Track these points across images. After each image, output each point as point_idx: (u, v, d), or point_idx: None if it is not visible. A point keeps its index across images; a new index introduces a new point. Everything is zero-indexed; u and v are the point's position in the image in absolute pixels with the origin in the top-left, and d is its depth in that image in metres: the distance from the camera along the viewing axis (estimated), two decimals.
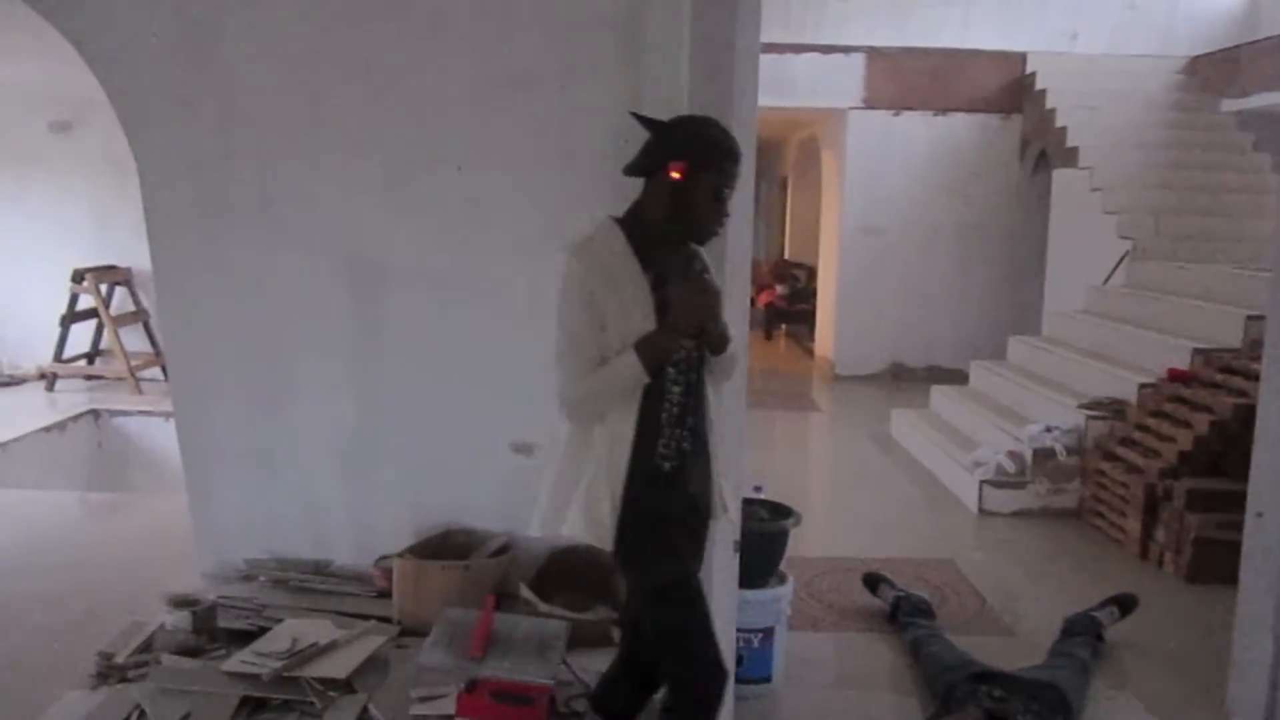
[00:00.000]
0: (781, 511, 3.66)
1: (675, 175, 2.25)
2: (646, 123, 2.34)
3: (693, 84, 2.61)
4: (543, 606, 3.48)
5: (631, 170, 2.35)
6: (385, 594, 3.54)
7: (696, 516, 2.48)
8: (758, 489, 3.84)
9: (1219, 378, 5.52)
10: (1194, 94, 9.61)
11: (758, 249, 17.04)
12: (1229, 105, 9.20)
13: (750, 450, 7.09)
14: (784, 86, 9.73)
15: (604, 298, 2.26)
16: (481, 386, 3.69)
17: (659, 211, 2.30)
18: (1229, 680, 3.41)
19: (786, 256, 15.10)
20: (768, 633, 3.51)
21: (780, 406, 9.17)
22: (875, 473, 7.09)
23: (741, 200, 2.75)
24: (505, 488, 3.69)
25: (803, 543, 5.05)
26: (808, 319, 12.20)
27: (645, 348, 2.25)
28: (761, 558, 3.51)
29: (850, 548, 5.21)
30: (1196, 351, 5.85)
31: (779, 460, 7.54)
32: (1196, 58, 9.78)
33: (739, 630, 3.46)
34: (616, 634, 3.53)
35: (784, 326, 13.66)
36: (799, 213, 14.63)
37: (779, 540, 3.58)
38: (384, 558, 3.64)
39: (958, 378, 8.61)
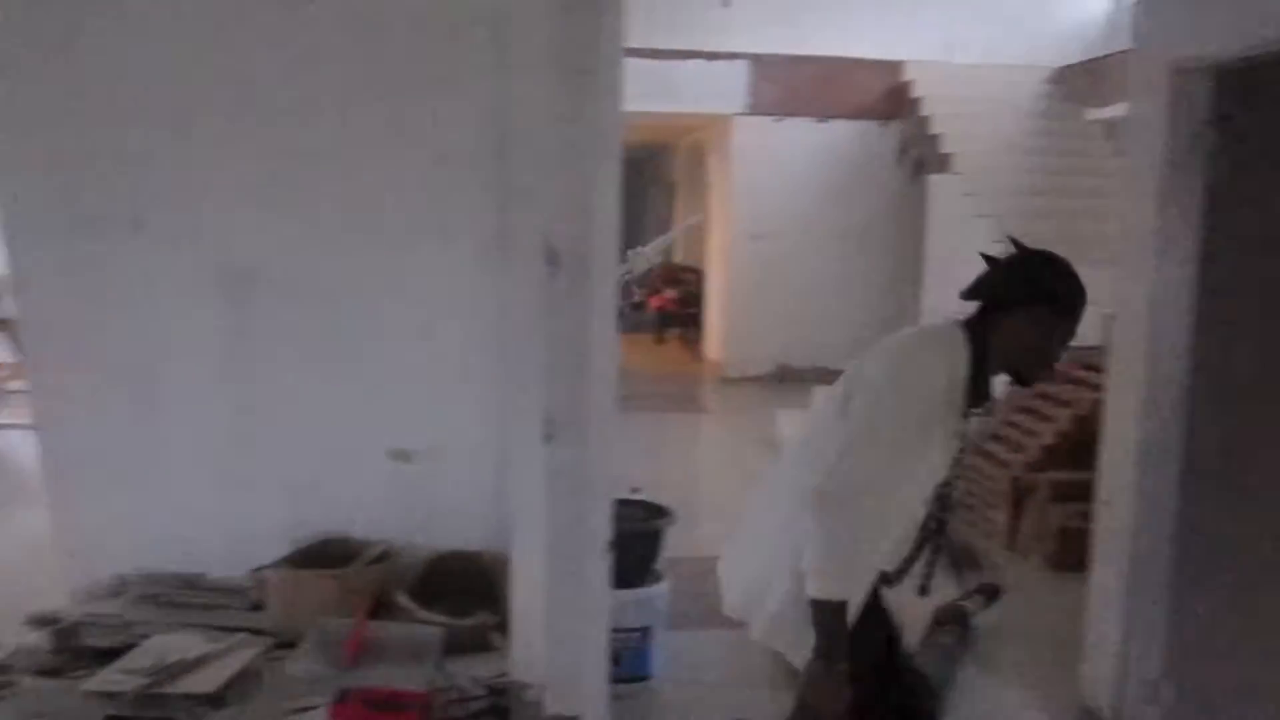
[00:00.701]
0: (657, 512, 3.71)
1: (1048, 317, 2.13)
2: (1019, 252, 2.24)
3: (554, 88, 2.63)
4: (421, 613, 3.46)
5: (981, 294, 2.21)
6: (261, 606, 3.47)
7: None
8: (634, 490, 3.88)
9: (1081, 374, 5.78)
10: (1061, 103, 10.04)
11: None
12: (1093, 114, 9.65)
13: (639, 453, 7.19)
14: (670, 92, 9.85)
15: (931, 419, 2.06)
16: (359, 393, 3.65)
17: (1015, 347, 2.15)
18: (1082, 660, 3.57)
19: (676, 261, 15.25)
20: (645, 632, 3.56)
21: (670, 409, 9.26)
22: (759, 473, 7.19)
23: (606, 197, 2.79)
24: (384, 495, 3.67)
25: (687, 543, 5.11)
26: (698, 322, 12.36)
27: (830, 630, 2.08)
28: (637, 558, 3.56)
29: None
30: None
31: (667, 462, 7.62)
32: (1063, 68, 10.21)
33: (617, 630, 3.50)
34: (497, 639, 3.56)
35: (675, 330, 13.80)
36: (687, 217, 14.78)
37: (654, 540, 3.63)
38: (260, 569, 3.58)
39: None
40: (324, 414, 3.66)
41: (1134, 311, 3.29)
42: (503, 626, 3.61)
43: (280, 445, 3.68)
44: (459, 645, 3.35)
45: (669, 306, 13.50)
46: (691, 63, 9.97)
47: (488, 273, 3.59)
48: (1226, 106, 3.10)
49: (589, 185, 2.71)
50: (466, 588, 3.66)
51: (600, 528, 3.00)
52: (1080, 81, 9.96)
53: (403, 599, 3.49)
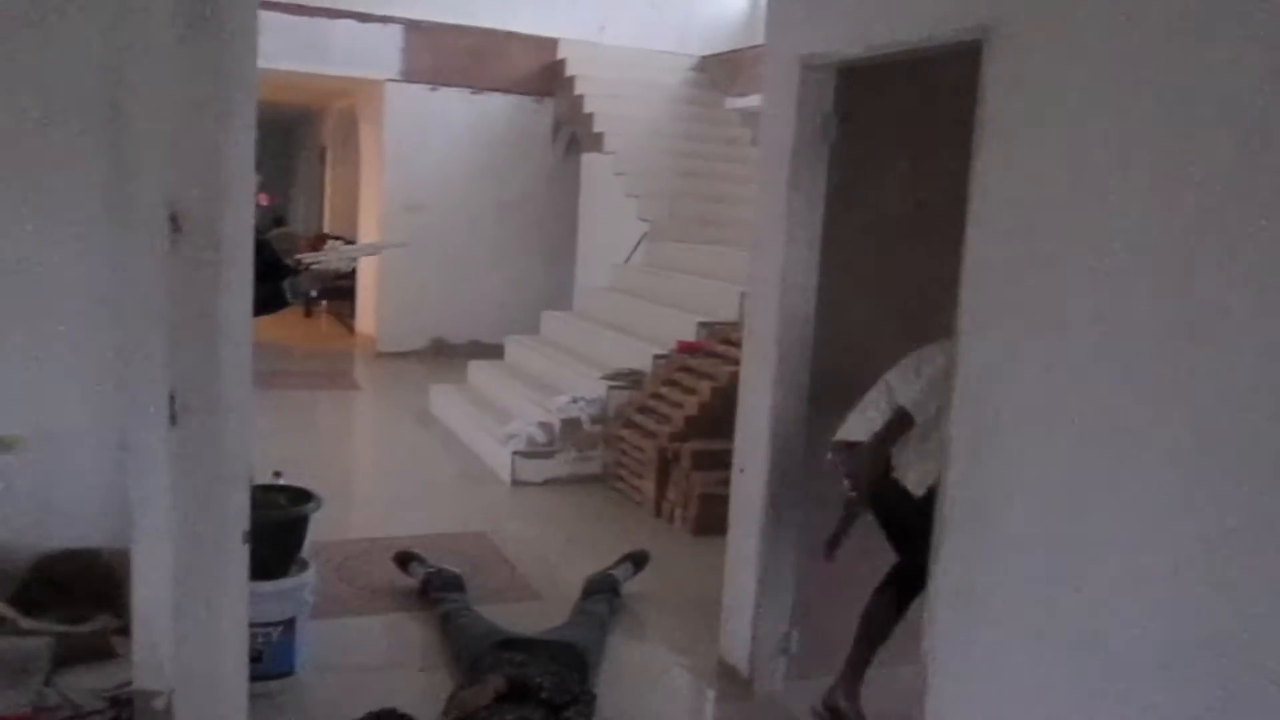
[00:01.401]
0: (302, 496, 3.51)
1: None
2: None
3: (175, 36, 2.38)
4: (24, 622, 3.08)
5: None
6: None
7: None
8: (277, 475, 3.65)
9: (720, 348, 6.12)
10: (704, 90, 10.57)
11: (296, 222, 16.34)
12: (731, 103, 10.24)
13: (288, 433, 6.84)
14: (319, 53, 9.38)
15: None
16: None
17: None
18: (721, 617, 3.79)
19: (326, 230, 14.60)
20: (289, 624, 3.36)
21: (321, 386, 8.88)
22: (414, 450, 7.08)
23: (239, 160, 2.57)
24: None
25: (337, 525, 4.91)
26: (350, 295, 11.91)
27: None
28: (280, 547, 3.35)
29: (386, 527, 5.15)
30: (701, 324, 6.45)
31: (318, 442, 7.30)
32: (706, 57, 10.75)
33: (256, 626, 3.28)
34: (122, 644, 3.23)
35: (324, 303, 13.21)
36: (339, 185, 14.22)
37: (298, 527, 3.43)
38: None
39: (497, 352, 8.84)
40: None
41: (766, 290, 3.50)
42: (127, 630, 3.30)
43: None
44: (76, 655, 3.08)
45: None
46: (342, 23, 9.53)
47: (102, 241, 3.24)
48: (847, 102, 3.36)
49: (215, 146, 2.49)
50: (84, 590, 3.32)
51: (236, 515, 2.79)
52: (721, 71, 10.54)
53: (2, 608, 3.09)
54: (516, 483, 6.11)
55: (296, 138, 16.84)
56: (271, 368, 9.03)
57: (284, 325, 12.28)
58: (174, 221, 2.46)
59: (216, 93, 2.48)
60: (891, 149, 3.52)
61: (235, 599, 2.84)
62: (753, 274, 3.64)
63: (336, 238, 13.62)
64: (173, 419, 2.57)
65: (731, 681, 3.66)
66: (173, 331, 2.54)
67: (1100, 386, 2.24)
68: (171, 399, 2.56)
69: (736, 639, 3.68)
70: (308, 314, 12.95)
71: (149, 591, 2.74)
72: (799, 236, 3.40)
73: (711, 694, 3.71)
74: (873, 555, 3.75)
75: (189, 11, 2.38)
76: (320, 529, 4.29)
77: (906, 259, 3.61)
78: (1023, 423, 2.44)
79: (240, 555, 2.85)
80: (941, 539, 2.66)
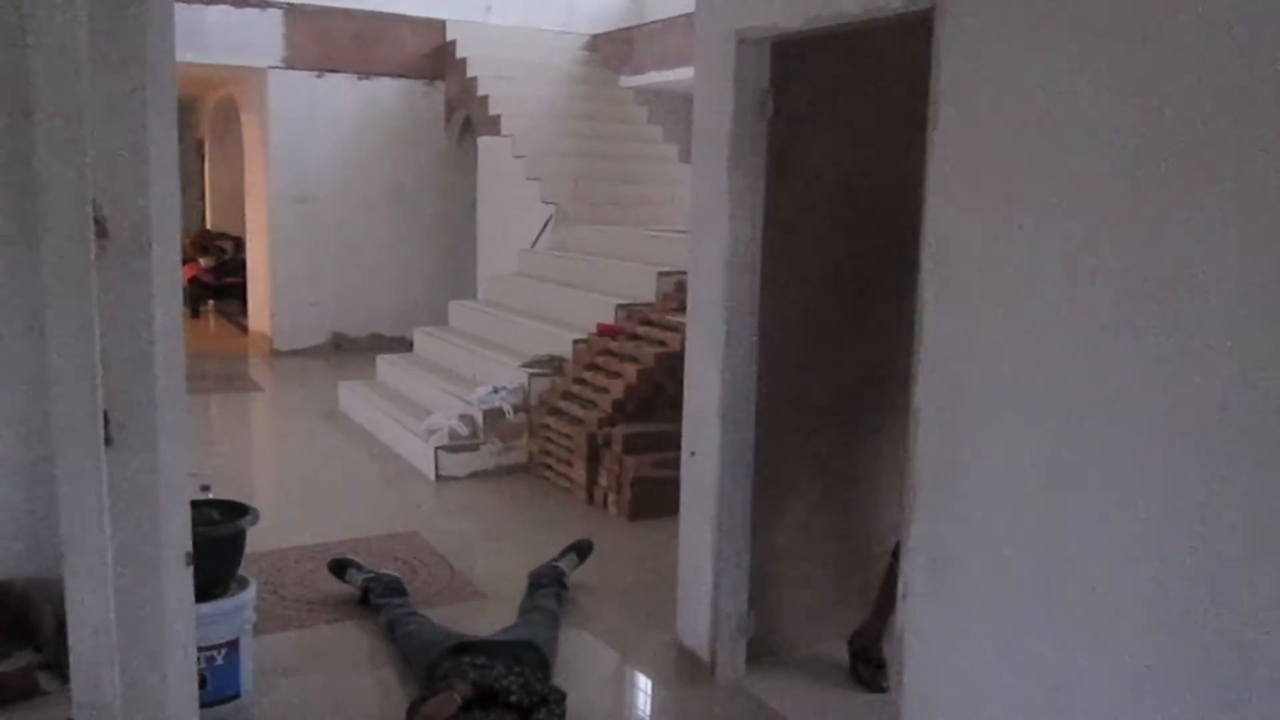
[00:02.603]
0: (235, 510, 3.32)
1: None
2: None
3: (96, 24, 2.19)
4: None
5: None
6: None
7: None
8: (205, 489, 3.46)
9: (641, 330, 6.06)
10: (597, 69, 10.45)
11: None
12: (626, 81, 10.16)
13: (193, 440, 6.51)
14: (194, 41, 8.92)
15: None
16: None
17: None
18: (677, 607, 3.74)
19: (209, 227, 14.05)
20: (232, 645, 3.19)
21: (218, 389, 8.51)
22: (329, 451, 6.84)
23: (164, 158, 2.40)
24: None
25: (264, 536, 4.69)
26: (239, 293, 11.47)
27: None
28: (218, 565, 3.17)
29: (313, 534, 4.95)
30: (619, 306, 6.37)
31: (224, 449, 6.99)
32: (596, 36, 10.62)
33: (198, 649, 3.10)
34: (46, 680, 3.04)
35: (212, 302, 12.72)
36: (220, 180, 13.67)
37: (236, 543, 3.25)
38: None
39: (402, 345, 8.62)
40: None
41: (709, 270, 3.44)
42: (51, 666, 3.10)
43: None
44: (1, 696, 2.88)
45: (204, 277, 12.39)
46: (218, 9, 9.10)
47: (13, 254, 3.02)
48: (785, 76, 3.31)
49: (141, 143, 2.31)
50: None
51: (177, 537, 2.62)
52: (613, 49, 10.43)
53: None
54: (441, 478, 5.95)
55: None
56: None
57: None
58: (99, 225, 2.28)
59: (133, 86, 2.29)
60: (823, 123, 3.50)
61: (181, 624, 2.67)
62: (693, 254, 3.58)
63: (221, 234, 13.14)
64: (108, 440, 2.39)
65: (692, 666, 3.63)
66: (104, 345, 2.35)
67: (1064, 353, 2.25)
68: (106, 418, 2.38)
69: (695, 624, 3.64)
70: (195, 314, 12.44)
71: (89, 624, 2.56)
72: (741, 215, 3.35)
73: (674, 681, 3.66)
74: (823, 533, 3.77)
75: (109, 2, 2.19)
76: (248, 541, 4.11)
77: (842, 234, 3.61)
78: (987, 389, 2.45)
79: (184, 577, 2.68)
80: (912, 506, 2.66)
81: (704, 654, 3.58)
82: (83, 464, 2.45)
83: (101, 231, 2.28)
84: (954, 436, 2.55)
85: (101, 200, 2.27)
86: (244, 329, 11.20)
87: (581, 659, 3.77)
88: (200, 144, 14.26)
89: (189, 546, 2.67)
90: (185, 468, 2.66)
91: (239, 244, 12.16)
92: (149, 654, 2.59)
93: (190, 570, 2.70)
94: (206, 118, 13.34)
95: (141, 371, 2.40)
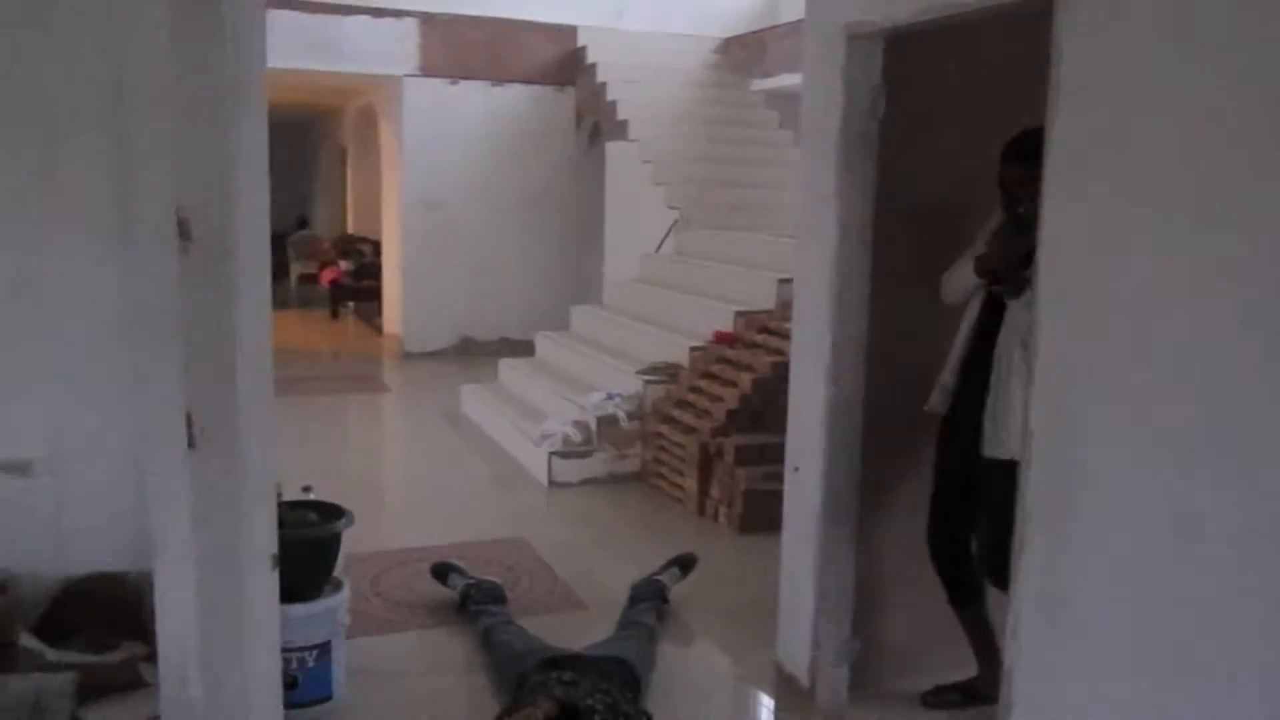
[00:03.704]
0: (333, 512, 3.33)
1: None
2: None
3: (175, 28, 2.20)
4: (50, 654, 2.94)
5: None
6: None
7: None
8: (306, 489, 3.48)
9: (758, 338, 5.90)
10: (727, 73, 10.32)
11: (318, 224, 16.24)
12: (757, 85, 10.00)
13: (317, 441, 6.69)
14: (332, 51, 9.22)
15: None
16: None
17: None
18: (777, 628, 3.58)
19: (350, 231, 14.50)
20: (324, 648, 3.19)
21: (349, 390, 8.73)
22: (447, 453, 6.91)
23: (252, 162, 2.40)
24: None
25: (371, 536, 4.75)
26: (376, 296, 11.77)
27: None
28: (310, 567, 3.18)
29: (422, 536, 4.98)
30: (738, 314, 6.23)
31: (347, 447, 7.15)
32: (728, 39, 10.50)
33: (289, 650, 3.12)
34: (151, 673, 3.09)
35: (351, 305, 13.10)
36: (361, 185, 14.09)
37: (330, 545, 3.26)
38: None
39: (527, 349, 8.65)
40: None
41: (816, 276, 3.28)
42: (156, 658, 3.16)
43: None
44: (102, 686, 2.93)
45: (343, 280, 12.78)
46: (354, 19, 9.35)
47: (114, 252, 3.09)
48: (898, 73, 3.13)
49: (224, 147, 2.30)
50: (111, 616, 3.19)
51: (262, 539, 2.63)
52: (744, 52, 10.29)
53: (26, 639, 2.96)
54: (553, 484, 5.92)
55: (317, 138, 16.72)
56: (299, 372, 8.92)
57: (311, 328, 12.20)
58: (182, 228, 2.28)
59: (219, 92, 2.29)
60: (936, 124, 3.29)
61: (266, 625, 2.68)
62: (799, 261, 3.42)
63: (361, 239, 13.54)
64: (190, 442, 2.40)
65: (791, 692, 3.46)
66: (187, 349, 2.36)
67: (1200, 376, 2.02)
68: (189, 421, 2.39)
69: (795, 647, 3.47)
70: (334, 315, 12.84)
71: (173, 622, 2.59)
72: (850, 220, 3.17)
73: (771, 706, 3.51)
74: (927, 560, 3.55)
75: (184, 9, 2.19)
76: (353, 541, 4.13)
77: (951, 241, 3.37)
78: (1109, 413, 2.22)
79: (269, 580, 2.68)
80: (1024, 539, 2.44)
81: (804, 679, 3.41)
82: (168, 465, 2.47)
83: (185, 234, 2.29)
84: (1072, 464, 2.32)
85: (183, 202, 2.28)
86: (379, 331, 11.48)
87: (677, 677, 3.65)
88: (343, 151, 14.73)
89: (274, 549, 2.67)
90: (271, 471, 2.67)
91: (377, 248, 12.49)
92: (232, 654, 2.60)
93: (275, 573, 2.71)
94: (349, 125, 13.76)
95: (224, 375, 2.40)
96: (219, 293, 2.36)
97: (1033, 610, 2.42)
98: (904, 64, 3.15)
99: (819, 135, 3.25)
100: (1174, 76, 2.06)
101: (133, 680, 3.10)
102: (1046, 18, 2.31)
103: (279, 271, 15.96)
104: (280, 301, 14.31)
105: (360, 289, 12.66)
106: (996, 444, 3.00)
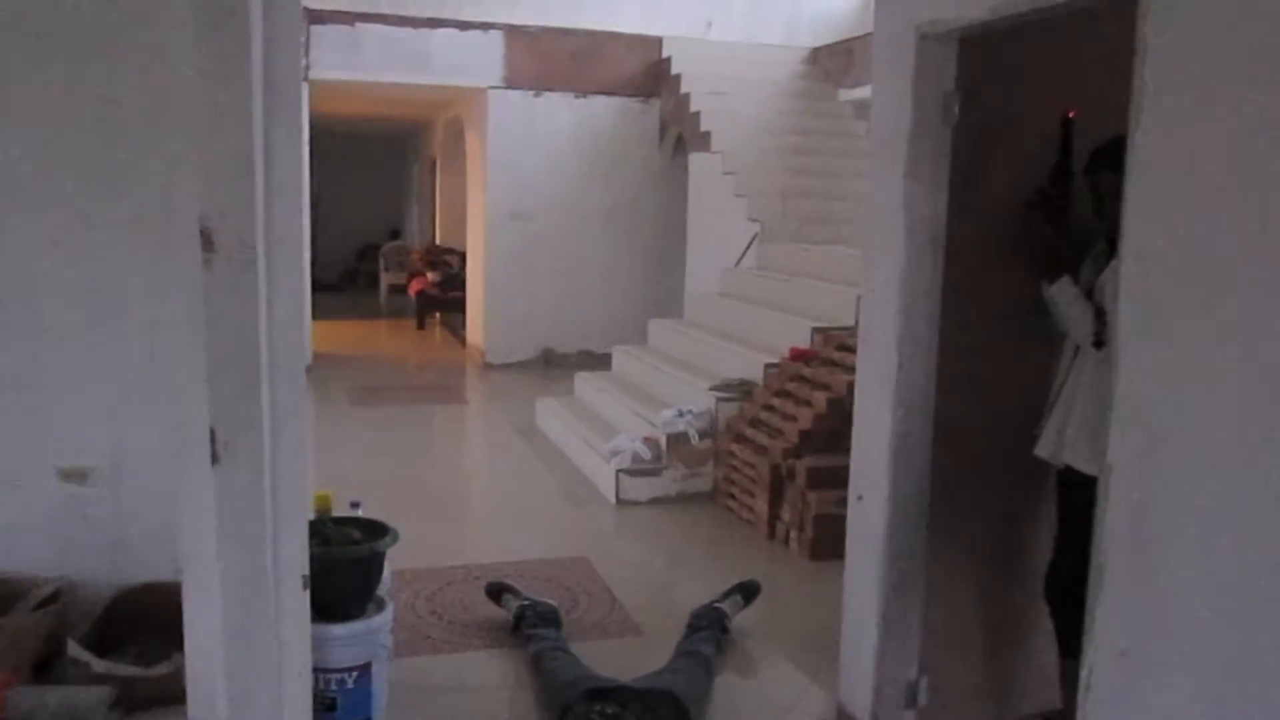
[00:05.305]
0: (377, 530, 3.24)
1: None
2: None
3: (196, 31, 2.13)
4: (97, 664, 2.91)
5: None
6: None
7: None
8: (355, 505, 3.41)
9: (836, 355, 5.68)
10: (816, 83, 10.11)
11: (410, 234, 16.45)
12: (845, 95, 9.75)
13: (391, 450, 6.67)
14: (420, 63, 9.28)
15: None
16: (18, 403, 3.10)
17: None
18: (840, 661, 3.38)
19: (438, 242, 14.63)
20: (364, 669, 3.10)
21: (426, 401, 8.74)
22: (517, 467, 6.83)
23: (285, 171, 2.33)
24: (55, 523, 3.15)
25: (432, 550, 4.69)
26: (461, 307, 11.83)
27: None
28: (351, 586, 3.10)
29: (483, 552, 4.89)
30: (816, 330, 6.01)
31: (417, 459, 7.12)
32: (817, 49, 10.28)
33: (328, 671, 3.05)
34: None
35: (438, 315, 13.20)
36: (449, 196, 14.21)
37: (371, 564, 3.17)
38: None
39: (608, 363, 8.55)
40: None
41: (883, 292, 3.09)
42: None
43: None
44: (144, 699, 2.89)
45: (430, 290, 12.88)
46: (441, 32, 9.40)
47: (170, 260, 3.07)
48: (971, 75, 2.93)
49: (249, 155, 2.22)
50: (162, 626, 3.13)
51: (291, 557, 2.53)
52: (833, 62, 10.06)
53: (74, 649, 2.94)
54: (621, 502, 5.79)
55: (410, 151, 16.94)
56: (379, 382, 8.97)
57: (397, 337, 12.31)
58: (205, 237, 2.21)
59: (244, 101, 2.22)
60: (1013, 133, 3.07)
61: (296, 646, 2.59)
62: (867, 275, 3.24)
63: (448, 250, 13.64)
64: (214, 458, 2.33)
65: None
66: (209, 361, 2.29)
67: None
68: (212, 435, 2.32)
69: (857, 686, 3.27)
70: (420, 326, 12.94)
71: (200, 643, 2.51)
72: (919, 232, 2.98)
73: None
74: (1000, 598, 3.32)
75: (207, 18, 2.12)
76: (409, 556, 4.06)
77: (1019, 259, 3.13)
78: (1197, 441, 2.00)
79: (299, 601, 2.60)
80: (1099, 583, 2.22)
81: None
82: (193, 481, 2.40)
83: (208, 245, 2.22)
84: (1155, 498, 2.10)
85: (208, 211, 2.21)
86: (463, 342, 11.53)
87: (733, 711, 3.47)
88: (433, 163, 14.88)
89: (305, 569, 2.58)
90: (303, 488, 2.59)
91: (464, 259, 12.57)
92: (260, 675, 2.51)
93: (307, 593, 2.62)
94: (439, 137, 13.89)
95: (248, 389, 2.32)
96: (243, 304, 2.28)
97: (1108, 663, 2.20)
98: (984, 63, 2.94)
99: (887, 142, 3.07)
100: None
101: (175, 694, 3.06)
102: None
103: (371, 282, 16.29)
104: (371, 311, 14.56)
105: (446, 300, 12.73)
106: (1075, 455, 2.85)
